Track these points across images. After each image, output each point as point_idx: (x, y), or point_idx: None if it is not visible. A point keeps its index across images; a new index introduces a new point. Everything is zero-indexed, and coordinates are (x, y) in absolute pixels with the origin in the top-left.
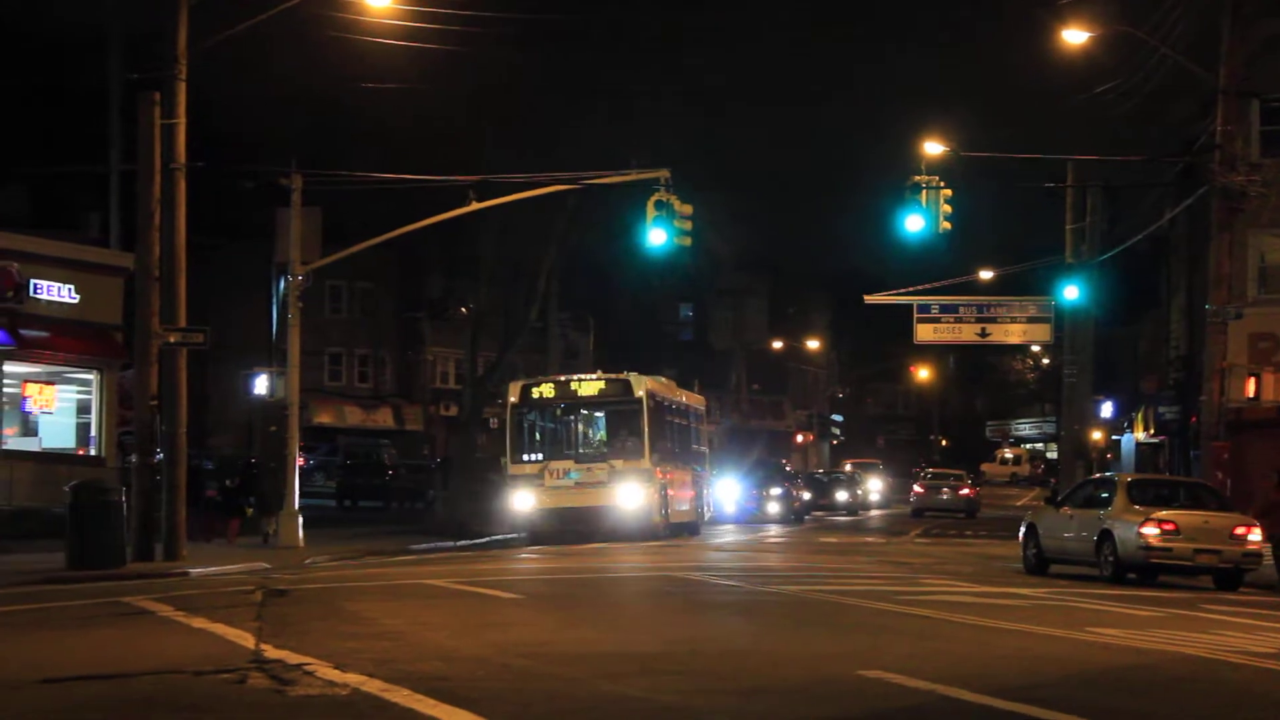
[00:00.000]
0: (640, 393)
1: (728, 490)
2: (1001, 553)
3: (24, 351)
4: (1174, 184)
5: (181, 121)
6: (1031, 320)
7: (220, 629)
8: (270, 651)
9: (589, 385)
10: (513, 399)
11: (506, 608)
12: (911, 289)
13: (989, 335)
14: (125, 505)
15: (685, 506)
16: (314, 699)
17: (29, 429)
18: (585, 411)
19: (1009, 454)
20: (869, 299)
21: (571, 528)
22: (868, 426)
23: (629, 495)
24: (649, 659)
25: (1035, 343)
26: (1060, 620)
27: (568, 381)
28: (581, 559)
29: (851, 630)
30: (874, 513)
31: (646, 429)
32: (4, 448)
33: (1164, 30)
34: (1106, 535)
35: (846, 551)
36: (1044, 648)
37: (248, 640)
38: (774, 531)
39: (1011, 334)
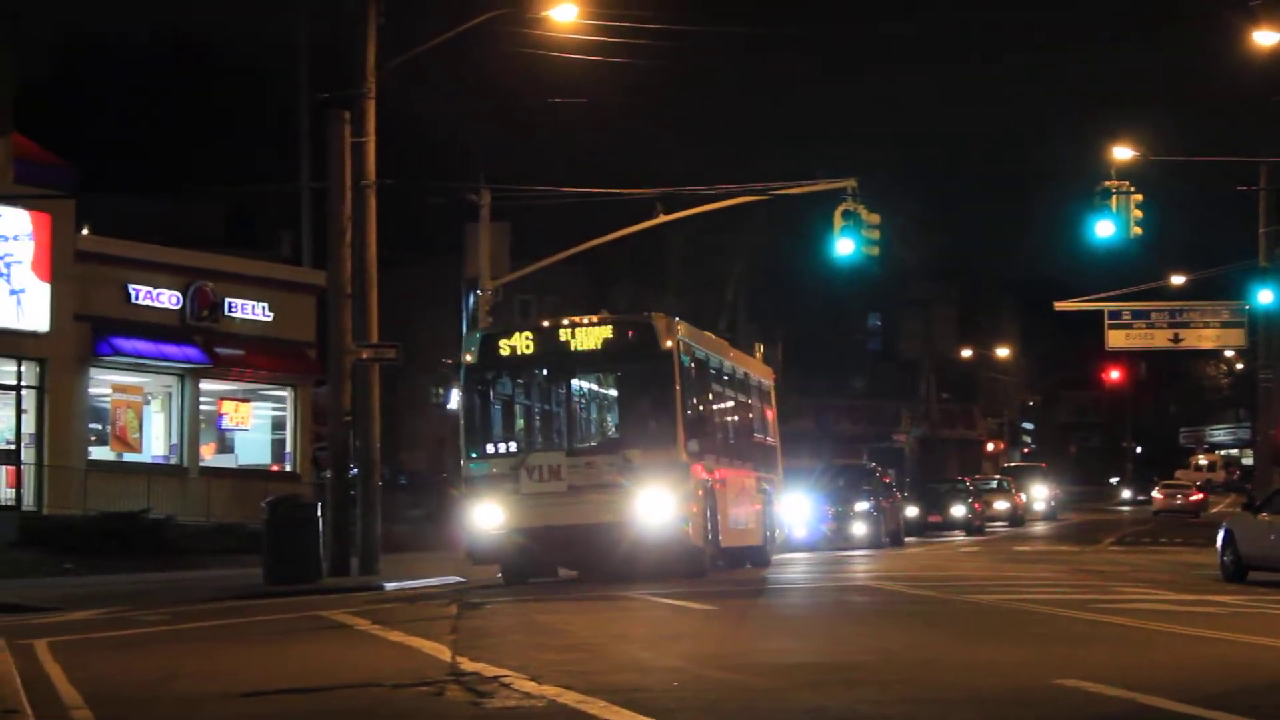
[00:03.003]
0: (669, 344)
1: (794, 507)
2: (1198, 560)
3: (219, 369)
4: None
5: (371, 139)
6: (1225, 325)
7: (416, 642)
8: (466, 664)
9: (588, 334)
10: (469, 358)
11: (699, 619)
12: (1102, 295)
13: (1181, 341)
14: (320, 520)
15: (745, 524)
16: (511, 710)
17: (225, 446)
18: (583, 375)
19: (1203, 460)
20: (1059, 306)
21: (563, 557)
22: (1059, 434)
23: (653, 505)
24: (844, 669)
25: (1229, 348)
26: (1261, 627)
27: (554, 329)
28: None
29: (1047, 639)
30: (1037, 527)
31: (679, 400)
32: (202, 464)
33: None
34: None
35: (1038, 560)
36: (1244, 655)
37: (444, 653)
38: (859, 557)
39: (1204, 339)
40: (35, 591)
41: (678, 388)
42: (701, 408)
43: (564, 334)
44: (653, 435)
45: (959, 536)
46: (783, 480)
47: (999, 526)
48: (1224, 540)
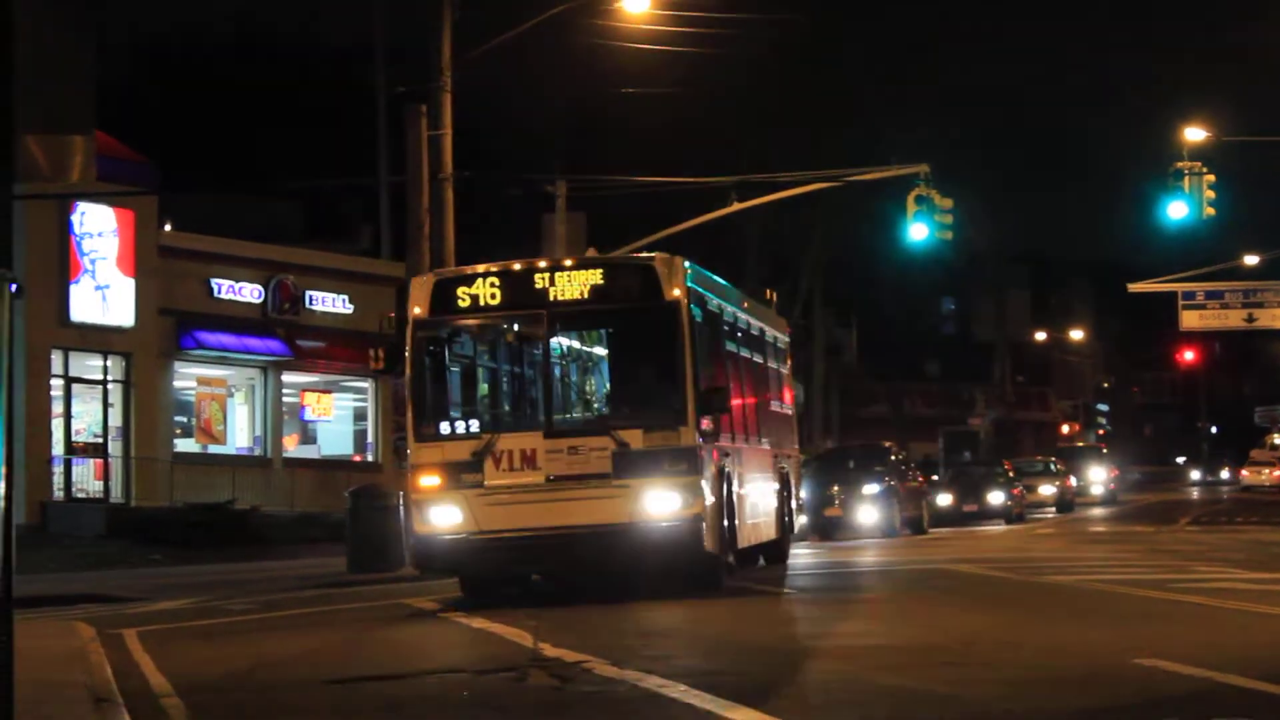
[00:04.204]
0: (676, 292)
1: None
2: (1275, 539)
3: (301, 361)
4: None
5: (448, 132)
6: None
7: (498, 629)
8: (548, 650)
9: (572, 280)
10: (417, 309)
11: (776, 603)
12: (1175, 276)
13: (1256, 320)
14: (402, 509)
15: (763, 517)
16: (593, 695)
17: (308, 437)
18: (566, 332)
19: (1278, 439)
20: (1133, 288)
21: (540, 567)
22: (1135, 415)
23: (658, 502)
24: (923, 650)
25: None
26: None
27: (529, 272)
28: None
29: (1125, 619)
30: (1094, 511)
31: (689, 364)
32: (285, 455)
33: None
34: None
35: (1115, 541)
36: None
37: (526, 639)
38: (867, 546)
39: (1279, 319)
40: (124, 582)
41: (687, 349)
42: (715, 374)
43: (541, 279)
44: (656, 410)
45: (996, 526)
46: (799, 456)
47: (1046, 513)
48: None
